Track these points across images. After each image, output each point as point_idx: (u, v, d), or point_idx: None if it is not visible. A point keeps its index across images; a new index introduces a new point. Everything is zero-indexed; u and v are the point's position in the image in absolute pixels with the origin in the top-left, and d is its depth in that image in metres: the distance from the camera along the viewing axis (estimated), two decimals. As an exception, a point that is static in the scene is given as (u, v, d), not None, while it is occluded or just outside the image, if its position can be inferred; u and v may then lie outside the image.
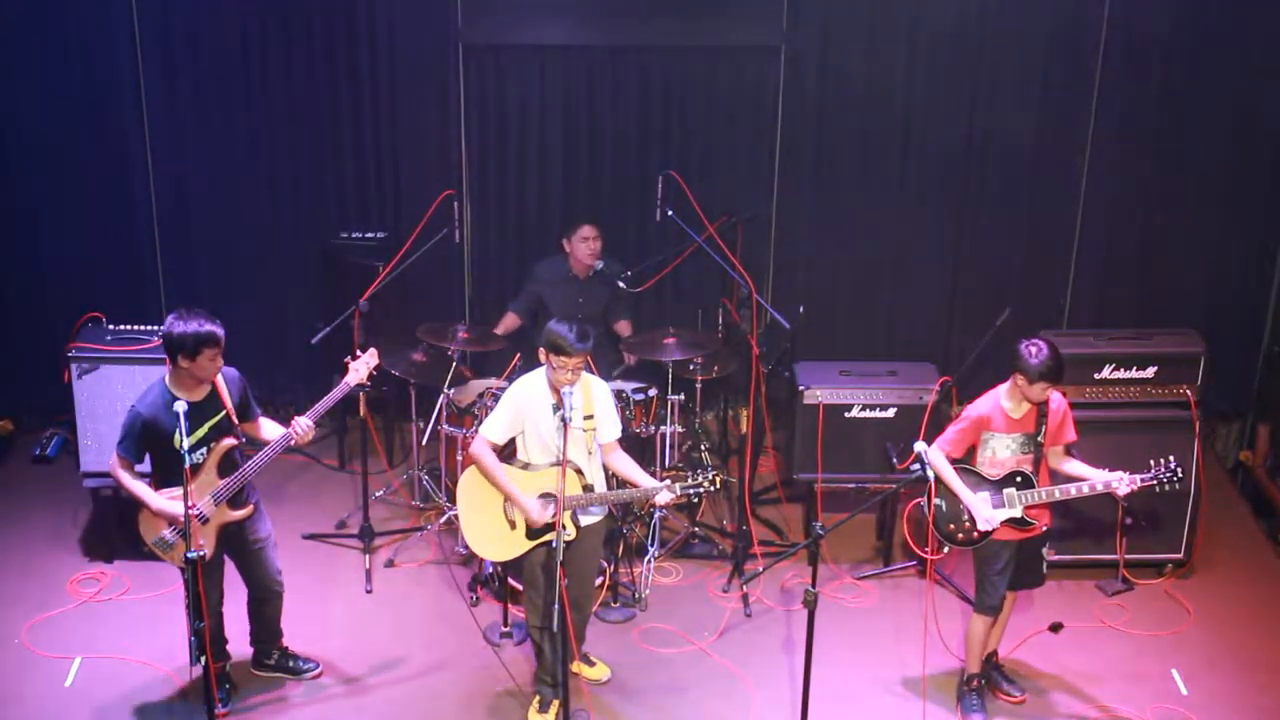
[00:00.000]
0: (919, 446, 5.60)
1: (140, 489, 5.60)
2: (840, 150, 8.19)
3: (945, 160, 8.19)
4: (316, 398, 5.87)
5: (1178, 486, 5.65)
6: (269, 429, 5.86)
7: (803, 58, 8.00)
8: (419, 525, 7.38)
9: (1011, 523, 5.72)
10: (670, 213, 7.28)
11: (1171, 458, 5.63)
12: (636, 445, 6.86)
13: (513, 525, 5.77)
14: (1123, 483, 5.60)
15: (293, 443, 5.74)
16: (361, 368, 5.92)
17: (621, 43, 8.00)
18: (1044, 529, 5.82)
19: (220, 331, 5.49)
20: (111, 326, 6.93)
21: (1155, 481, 5.59)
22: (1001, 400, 5.73)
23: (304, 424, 5.71)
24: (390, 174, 8.19)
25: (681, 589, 6.97)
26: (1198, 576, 7.06)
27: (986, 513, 5.68)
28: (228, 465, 5.68)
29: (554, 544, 5.34)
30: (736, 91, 8.11)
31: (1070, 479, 5.76)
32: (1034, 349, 5.54)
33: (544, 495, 5.70)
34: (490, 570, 6.75)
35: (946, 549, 6.00)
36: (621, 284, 7.53)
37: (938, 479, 5.72)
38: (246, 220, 8.21)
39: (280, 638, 6.21)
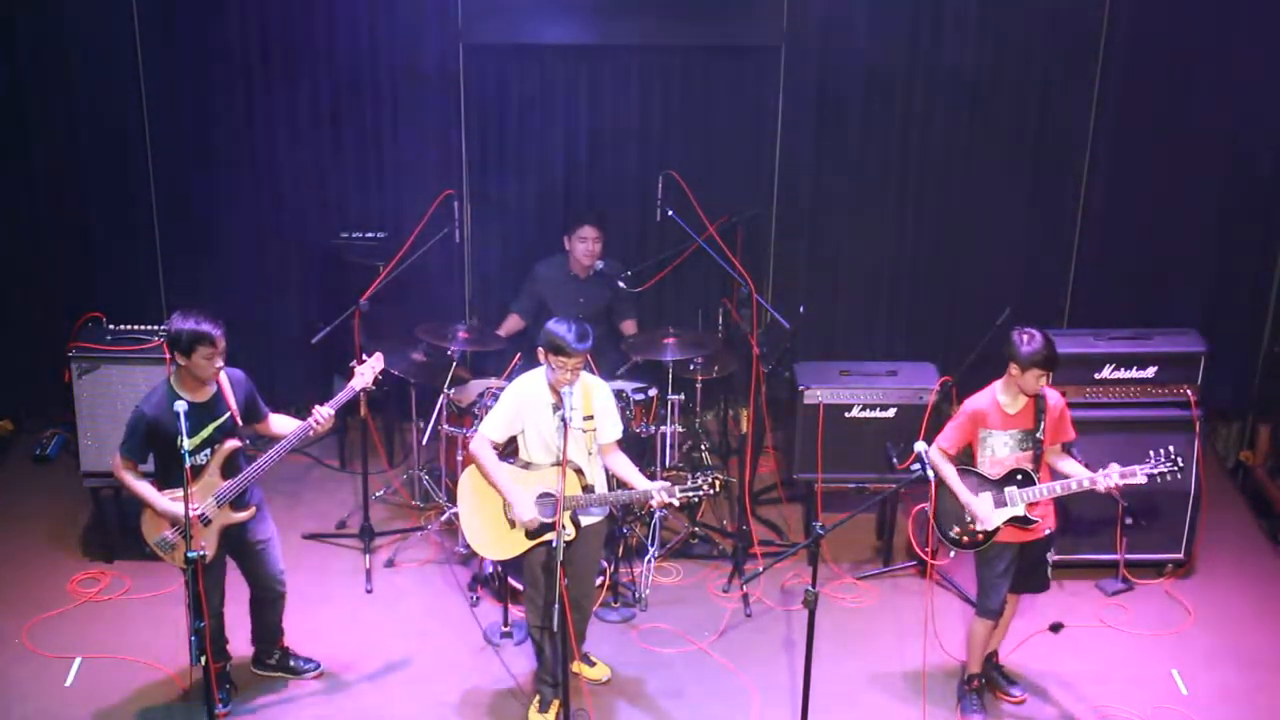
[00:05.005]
0: (919, 446, 5.60)
1: (144, 489, 5.61)
2: (840, 150, 8.19)
3: (945, 159, 8.19)
4: (316, 398, 5.86)
5: (1178, 476, 5.64)
6: (281, 425, 5.85)
7: (803, 58, 8.00)
8: (419, 525, 7.38)
9: (1014, 522, 5.71)
10: (670, 213, 7.28)
11: (1171, 447, 5.59)
12: (636, 445, 6.86)
13: (513, 524, 5.77)
14: (1108, 478, 5.56)
15: (312, 433, 5.74)
16: (367, 372, 5.92)
17: (621, 43, 7.99)
18: (1047, 532, 5.81)
19: (217, 332, 5.48)
20: (111, 326, 6.91)
21: (1156, 473, 5.57)
22: (997, 395, 5.73)
23: (325, 412, 5.72)
24: (390, 174, 8.19)
25: (681, 589, 6.97)
26: (1198, 576, 7.07)
27: (985, 511, 5.68)
28: (231, 467, 5.68)
29: (554, 544, 5.35)
30: (736, 91, 8.11)
31: (1066, 478, 5.76)
32: (1026, 336, 5.56)
33: (544, 495, 5.70)
34: (490, 570, 6.75)
35: (953, 553, 5.99)
36: (621, 284, 7.53)
37: (938, 479, 5.72)
38: (246, 220, 8.21)
39: (281, 637, 6.21)
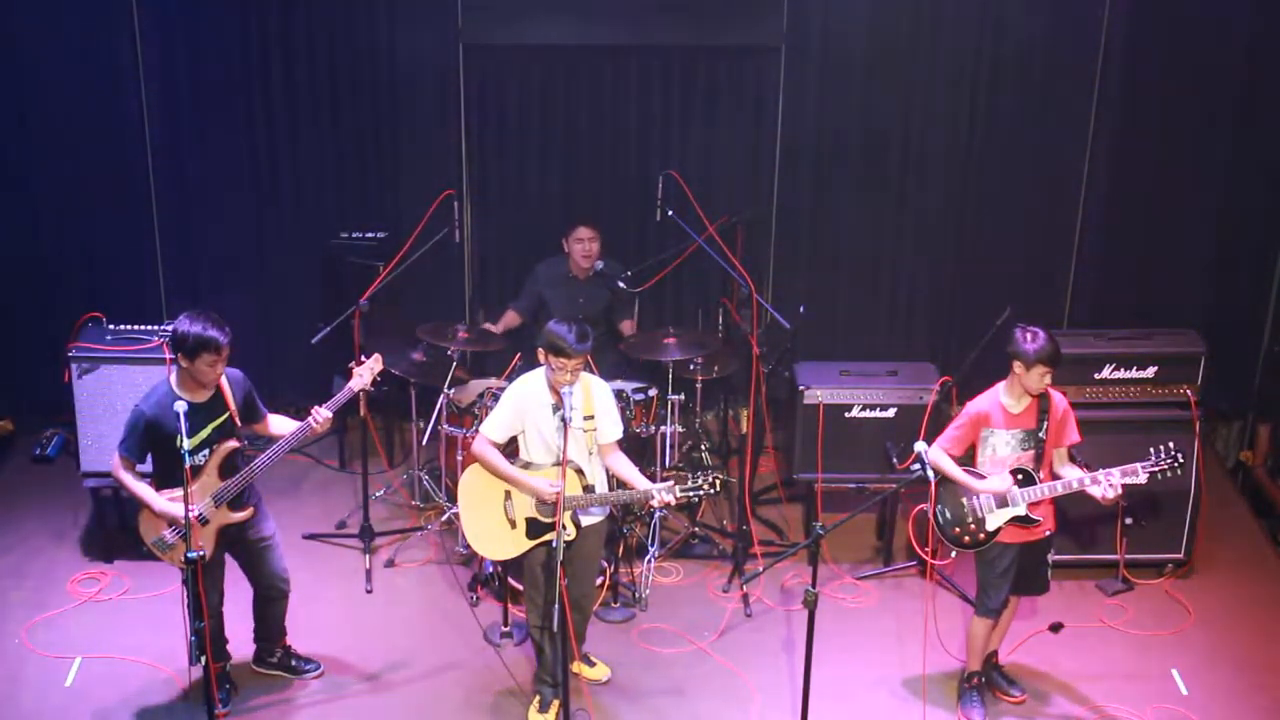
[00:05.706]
0: (919, 446, 5.60)
1: (142, 489, 5.60)
2: (840, 150, 8.19)
3: (945, 160, 8.19)
4: (316, 398, 5.85)
5: (1179, 472, 5.63)
6: (280, 425, 5.85)
7: (803, 58, 8.00)
8: (419, 525, 7.38)
9: (1016, 522, 5.70)
10: (670, 213, 7.29)
11: (1171, 443, 5.59)
12: (636, 445, 6.86)
13: (513, 524, 5.77)
14: (1109, 477, 5.55)
15: (311, 434, 5.74)
16: (365, 373, 5.92)
17: (621, 43, 8.00)
18: (1047, 533, 5.81)
19: (223, 339, 5.46)
20: (111, 326, 6.92)
21: (1158, 470, 5.56)
22: (1001, 396, 5.73)
23: (324, 413, 5.72)
24: (390, 174, 8.20)
25: (681, 589, 6.97)
26: (1198, 576, 7.06)
27: (998, 486, 5.64)
28: (229, 467, 5.68)
29: (554, 544, 5.35)
30: (736, 91, 8.11)
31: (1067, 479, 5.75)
32: (1030, 334, 5.58)
33: (544, 496, 5.71)
34: (491, 570, 6.75)
35: (955, 553, 5.99)
36: (621, 284, 7.53)
37: (940, 478, 5.71)
38: (247, 220, 8.22)
39: (283, 637, 6.21)
